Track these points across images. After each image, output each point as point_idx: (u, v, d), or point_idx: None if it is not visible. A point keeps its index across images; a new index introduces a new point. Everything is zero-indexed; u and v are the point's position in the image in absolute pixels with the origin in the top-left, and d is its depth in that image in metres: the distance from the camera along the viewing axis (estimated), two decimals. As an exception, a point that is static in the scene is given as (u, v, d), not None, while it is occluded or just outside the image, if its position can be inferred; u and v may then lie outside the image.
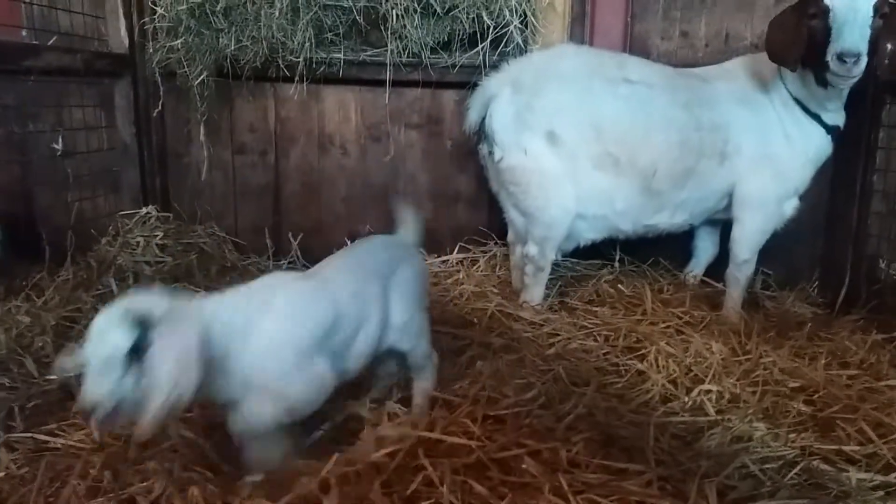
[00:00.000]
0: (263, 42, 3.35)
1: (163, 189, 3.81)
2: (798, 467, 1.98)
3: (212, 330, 1.56)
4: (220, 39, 3.39)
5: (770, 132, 3.09)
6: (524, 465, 1.79)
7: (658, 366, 2.61)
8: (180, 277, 3.19)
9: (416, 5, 3.32)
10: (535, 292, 3.18)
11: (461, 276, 3.53)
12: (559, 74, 3.06)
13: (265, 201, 3.89)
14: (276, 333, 1.69)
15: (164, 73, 3.57)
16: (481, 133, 3.14)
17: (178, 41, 3.40)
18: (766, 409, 2.35)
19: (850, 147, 3.27)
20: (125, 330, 1.42)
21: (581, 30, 3.62)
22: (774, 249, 3.34)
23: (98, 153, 3.60)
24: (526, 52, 3.40)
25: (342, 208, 3.87)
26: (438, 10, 3.32)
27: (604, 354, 2.73)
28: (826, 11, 2.73)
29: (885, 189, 3.28)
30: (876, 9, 2.70)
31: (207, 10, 3.33)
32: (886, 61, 2.83)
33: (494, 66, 3.27)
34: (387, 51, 3.44)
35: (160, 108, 3.68)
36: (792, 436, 2.18)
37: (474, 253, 3.79)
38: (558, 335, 2.85)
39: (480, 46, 3.40)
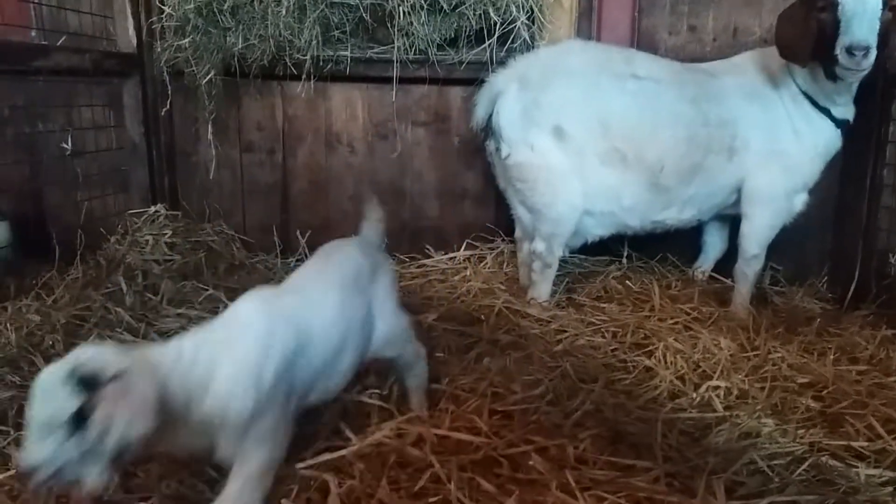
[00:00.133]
0: (271, 40, 3.36)
1: (171, 188, 3.83)
2: (806, 463, 1.98)
3: (170, 383, 1.43)
4: (228, 38, 3.39)
5: (779, 127, 3.07)
6: (531, 462, 1.80)
7: (666, 362, 2.61)
8: (189, 275, 3.21)
9: (422, 2, 3.31)
10: (542, 289, 3.18)
11: (468, 273, 3.53)
12: (566, 70, 3.06)
13: (273, 199, 3.90)
14: (239, 374, 1.54)
15: (171, 73, 3.57)
16: (488, 130, 3.14)
17: (186, 40, 3.41)
18: (775, 405, 2.34)
19: (859, 141, 3.25)
20: (70, 391, 1.29)
21: (588, 25, 3.61)
22: (783, 244, 3.33)
23: (107, 152, 3.62)
24: (533, 48, 3.39)
25: (350, 206, 3.88)
26: (445, 6, 3.32)
27: (611, 351, 2.72)
28: (834, 4, 2.71)
29: (896, 183, 3.26)
30: (885, 1, 2.68)
31: (215, 9, 3.34)
32: (896, 54, 2.82)
33: (501, 63, 3.26)
34: (394, 48, 3.44)
35: (168, 107, 3.68)
36: (800, 432, 2.17)
37: (482, 250, 3.79)
38: (566, 332, 2.85)
39: (487, 43, 3.40)
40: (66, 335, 2.54)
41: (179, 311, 2.87)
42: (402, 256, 3.78)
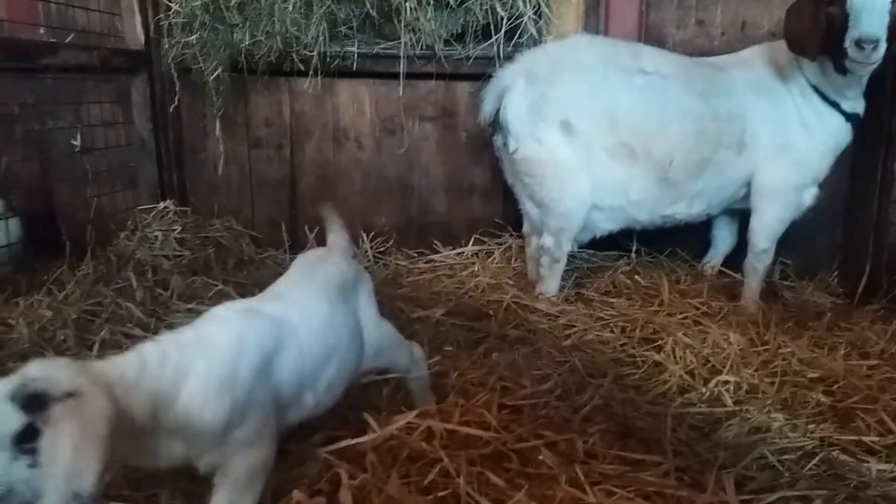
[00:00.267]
0: (277, 36, 3.36)
1: (180, 184, 3.84)
2: (817, 458, 1.97)
3: (134, 395, 1.34)
4: (235, 34, 3.40)
5: (788, 121, 3.06)
6: (541, 456, 1.79)
7: (675, 357, 2.61)
8: (198, 271, 3.22)
9: (429, -3, 3.32)
10: (550, 284, 3.18)
11: (476, 269, 3.53)
12: (574, 65, 3.05)
13: (281, 195, 3.91)
14: (212, 373, 1.45)
15: (179, 69, 3.58)
16: (496, 124, 3.14)
17: (193, 37, 3.42)
18: (785, 400, 2.34)
19: (870, 134, 3.23)
20: (13, 410, 1.19)
21: (595, 20, 3.60)
22: (793, 239, 3.32)
23: (116, 149, 3.64)
24: (540, 42, 3.38)
25: (358, 201, 3.89)
26: (451, 1, 3.31)
27: (620, 346, 2.72)
28: (844, -3, 2.70)
29: (906, 177, 3.24)
30: (894, -7, 2.66)
31: (221, 6, 3.35)
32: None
33: (508, 58, 3.25)
34: (400, 43, 3.44)
35: (176, 103, 3.69)
36: (811, 426, 2.16)
37: (489, 245, 3.80)
38: (574, 327, 2.85)
39: (494, 38, 3.39)
40: (78, 330, 2.56)
41: (189, 306, 2.88)
42: (409, 251, 3.79)
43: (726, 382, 2.42)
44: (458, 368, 2.33)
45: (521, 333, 2.75)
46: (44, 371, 1.23)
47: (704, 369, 2.52)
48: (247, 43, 3.39)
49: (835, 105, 3.03)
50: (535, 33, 3.39)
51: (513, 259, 3.67)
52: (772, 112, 3.07)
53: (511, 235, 3.81)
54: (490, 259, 3.67)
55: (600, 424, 2.01)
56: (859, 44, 2.64)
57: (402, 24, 3.39)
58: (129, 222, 3.42)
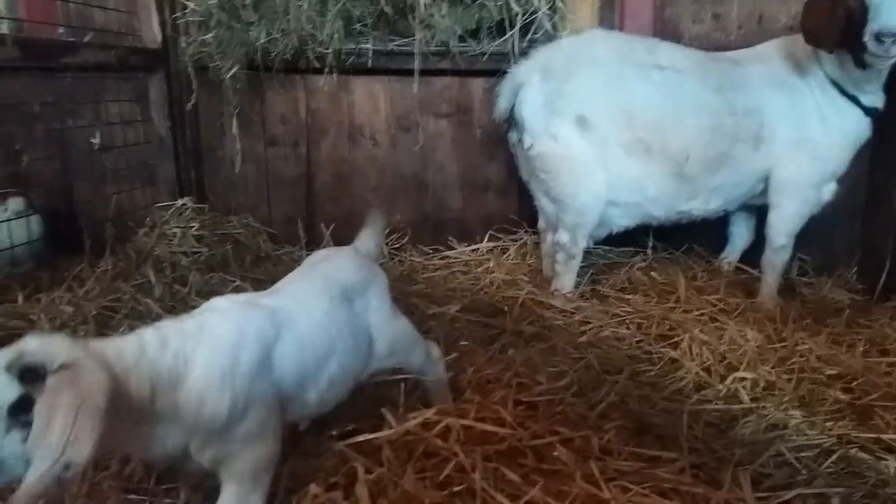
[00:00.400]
0: (293, 34, 3.38)
1: (198, 181, 3.87)
2: (835, 456, 1.96)
3: (131, 376, 1.32)
4: (251, 32, 3.43)
5: (806, 115, 3.03)
6: (556, 453, 1.80)
7: (692, 353, 2.59)
8: (216, 267, 3.25)
9: (443, -6, 3.32)
10: (566, 280, 3.17)
11: (492, 265, 3.53)
12: (589, 60, 3.04)
13: (298, 192, 3.93)
14: (213, 364, 1.44)
15: (196, 67, 3.61)
16: (511, 121, 3.14)
17: (210, 35, 3.45)
18: (803, 397, 2.32)
19: (889, 128, 3.19)
20: (8, 381, 1.19)
21: (611, 15, 3.58)
22: (811, 234, 3.29)
23: (134, 147, 3.67)
24: (555, 38, 3.38)
25: (373, 198, 3.90)
26: (466, -3, 3.32)
27: (636, 342, 2.71)
28: (863, -10, 2.67)
29: (927, 171, 3.20)
30: (915, -13, 2.62)
31: (237, 4, 3.38)
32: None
33: (523, 54, 3.25)
34: (415, 40, 3.45)
35: (194, 101, 3.72)
36: (829, 424, 2.15)
37: (505, 241, 3.79)
38: (590, 323, 2.84)
39: (509, 34, 3.39)
40: (98, 326, 2.60)
41: (207, 302, 2.91)
42: (424, 248, 3.80)
43: (743, 379, 2.40)
44: (474, 365, 2.33)
45: (536, 330, 2.75)
46: (41, 344, 1.23)
47: (721, 366, 2.51)
48: (262, 41, 3.42)
49: (854, 99, 3.00)
50: (549, 29, 3.39)
51: (528, 255, 3.66)
52: (789, 107, 3.04)
53: (526, 232, 3.81)
54: (505, 255, 3.67)
55: (616, 421, 2.01)
56: (879, 37, 2.61)
57: (417, 21, 3.39)
58: (148, 219, 3.46)
